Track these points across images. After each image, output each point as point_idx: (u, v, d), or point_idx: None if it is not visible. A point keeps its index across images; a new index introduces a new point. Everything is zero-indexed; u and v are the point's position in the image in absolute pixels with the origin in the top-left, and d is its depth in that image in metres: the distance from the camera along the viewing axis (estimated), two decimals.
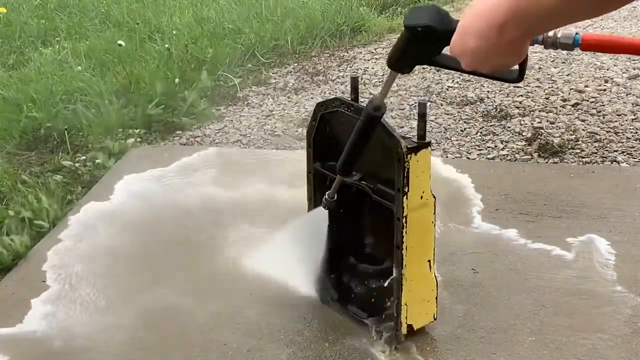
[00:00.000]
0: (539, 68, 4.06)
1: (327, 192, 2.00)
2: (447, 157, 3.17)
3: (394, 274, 1.92)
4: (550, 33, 1.33)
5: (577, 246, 2.44)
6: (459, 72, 1.59)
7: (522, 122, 3.44)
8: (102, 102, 3.65)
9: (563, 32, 1.33)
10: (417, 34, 1.40)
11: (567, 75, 3.95)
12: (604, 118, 3.46)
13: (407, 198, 1.84)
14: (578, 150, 3.18)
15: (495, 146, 3.25)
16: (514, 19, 1.09)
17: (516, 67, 1.36)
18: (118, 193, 2.89)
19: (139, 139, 3.41)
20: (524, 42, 1.16)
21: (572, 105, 3.60)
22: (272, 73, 4.22)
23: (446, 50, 1.32)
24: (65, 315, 2.23)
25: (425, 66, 4.19)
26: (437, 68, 4.15)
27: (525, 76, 1.43)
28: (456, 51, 1.23)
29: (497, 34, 1.12)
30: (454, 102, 3.70)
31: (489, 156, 3.18)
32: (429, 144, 1.87)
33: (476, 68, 1.23)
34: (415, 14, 1.39)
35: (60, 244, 2.60)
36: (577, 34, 1.30)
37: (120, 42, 4.19)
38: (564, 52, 4.25)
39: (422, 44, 1.42)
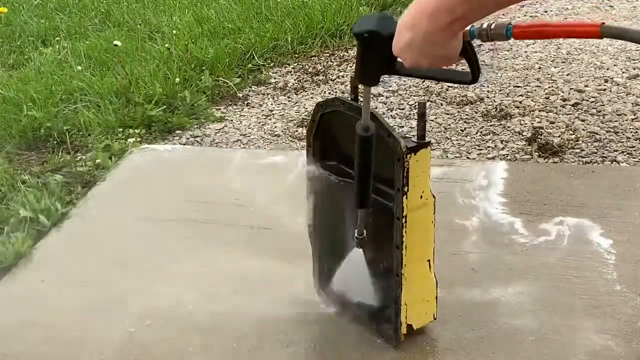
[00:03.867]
0: (539, 68, 4.06)
1: (355, 231, 1.93)
2: (447, 157, 3.17)
3: (394, 274, 1.92)
4: (484, 25, 1.34)
5: (577, 246, 2.44)
6: (420, 79, 1.66)
7: (522, 122, 3.44)
8: (102, 102, 3.65)
9: (496, 23, 1.34)
10: (364, 41, 1.46)
11: (567, 75, 3.95)
12: (604, 118, 3.46)
13: (406, 198, 1.84)
14: (578, 150, 3.18)
15: (495, 146, 3.25)
16: (440, 7, 1.13)
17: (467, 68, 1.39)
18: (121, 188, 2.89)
19: (139, 139, 3.41)
20: (454, 29, 1.19)
21: (572, 105, 3.60)
22: (272, 73, 4.22)
23: None
24: (65, 315, 2.23)
25: None
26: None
27: (481, 76, 1.47)
28: (396, 50, 1.26)
29: (426, 21, 1.16)
30: (454, 102, 3.70)
31: (489, 156, 3.18)
32: (428, 144, 1.87)
33: (417, 62, 1.25)
34: (361, 21, 1.44)
35: (60, 244, 2.60)
36: (509, 24, 1.32)
37: (116, 42, 4.18)
38: (563, 51, 4.26)
39: (374, 51, 1.46)
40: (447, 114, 3.58)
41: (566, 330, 2.07)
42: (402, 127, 3.47)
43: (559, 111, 3.55)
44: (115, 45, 4.16)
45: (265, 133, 3.51)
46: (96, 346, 2.10)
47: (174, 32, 4.53)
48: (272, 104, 3.83)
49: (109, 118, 3.52)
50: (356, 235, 1.93)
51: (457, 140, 3.33)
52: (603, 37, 1.19)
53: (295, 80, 4.11)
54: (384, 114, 3.60)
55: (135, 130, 3.48)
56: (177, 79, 3.88)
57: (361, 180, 1.81)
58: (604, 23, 1.18)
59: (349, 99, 2.00)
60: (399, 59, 1.40)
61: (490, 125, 3.44)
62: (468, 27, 1.31)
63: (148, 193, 2.90)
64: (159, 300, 2.26)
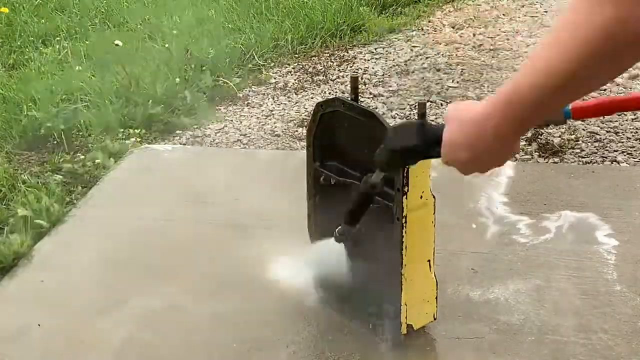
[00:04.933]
0: None
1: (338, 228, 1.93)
2: None
3: (394, 274, 1.92)
4: None
5: (578, 246, 2.44)
6: None
7: None
8: (102, 102, 3.65)
9: None
10: (403, 154, 1.39)
11: None
12: (604, 118, 3.46)
13: (406, 198, 1.84)
14: (578, 150, 3.18)
15: None
16: (505, 123, 1.05)
17: None
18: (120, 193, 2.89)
19: (139, 139, 3.41)
20: (518, 138, 1.13)
21: None
22: (272, 73, 4.22)
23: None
24: (65, 315, 2.23)
25: (425, 66, 4.20)
26: (437, 68, 4.15)
27: None
28: (450, 163, 1.19)
29: (488, 142, 1.08)
30: (454, 102, 3.70)
31: None
32: None
33: (469, 173, 1.20)
34: (400, 135, 1.34)
35: (60, 244, 2.60)
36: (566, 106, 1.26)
37: (117, 42, 4.18)
38: None
39: (409, 159, 1.41)
40: None
41: (566, 330, 2.07)
42: None
43: None
44: (116, 45, 4.16)
45: (265, 133, 3.51)
46: (96, 346, 2.10)
47: (174, 32, 4.53)
48: (272, 104, 3.83)
49: (109, 118, 3.52)
50: (337, 232, 1.93)
51: None
52: None
53: (295, 80, 4.11)
54: (384, 114, 3.59)
55: (135, 130, 3.48)
56: (177, 79, 3.88)
57: (352, 214, 1.82)
58: None
59: (349, 99, 2.00)
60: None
61: None
62: None
63: (148, 193, 2.90)
64: (159, 300, 2.26)
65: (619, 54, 0.89)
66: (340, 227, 1.91)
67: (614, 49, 0.87)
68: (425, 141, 1.29)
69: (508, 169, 2.97)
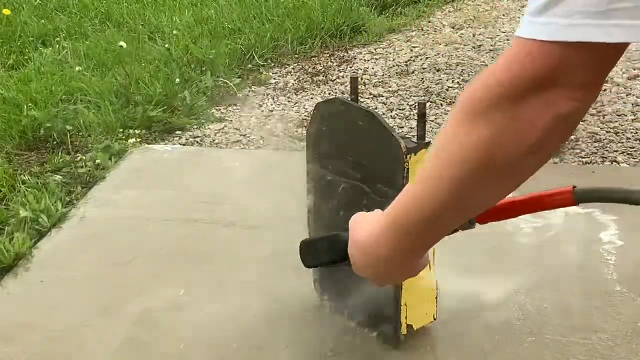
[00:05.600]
0: None
1: None
2: None
3: None
4: None
5: (578, 246, 2.44)
6: None
7: None
8: (102, 103, 3.65)
9: None
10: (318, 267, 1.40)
11: None
12: (604, 118, 3.46)
13: None
14: (578, 150, 3.18)
15: None
16: (394, 252, 0.99)
17: None
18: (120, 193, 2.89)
19: (139, 139, 3.41)
20: (417, 258, 1.05)
21: None
22: (272, 73, 4.22)
23: None
24: (65, 315, 2.23)
25: (424, 66, 4.21)
26: (437, 68, 4.15)
27: None
28: (360, 274, 1.12)
29: (386, 265, 1.02)
30: (454, 102, 3.70)
31: None
32: (429, 144, 1.87)
33: (387, 285, 1.15)
34: (311, 252, 1.28)
35: (60, 244, 2.60)
36: None
37: (121, 43, 4.18)
38: None
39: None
40: (447, 114, 3.58)
41: (566, 330, 2.07)
42: (402, 127, 3.47)
43: None
44: (120, 46, 4.16)
45: (265, 133, 3.51)
46: (96, 346, 2.10)
47: (174, 32, 4.53)
48: (272, 104, 3.83)
49: (109, 118, 3.52)
50: None
51: None
52: (578, 202, 1.10)
53: (295, 80, 4.12)
54: (384, 114, 3.60)
55: (135, 130, 3.48)
56: (177, 79, 3.88)
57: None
58: (574, 187, 1.06)
59: (349, 99, 2.00)
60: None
61: None
62: None
63: (148, 193, 2.90)
64: (159, 300, 2.26)
65: (500, 171, 0.84)
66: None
67: (493, 167, 0.83)
68: (336, 256, 1.22)
69: None
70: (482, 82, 0.82)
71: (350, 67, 4.26)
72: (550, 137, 0.82)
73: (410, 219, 0.93)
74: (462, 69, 4.10)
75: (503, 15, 5.00)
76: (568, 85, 0.78)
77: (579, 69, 0.77)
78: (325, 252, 1.25)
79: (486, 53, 4.32)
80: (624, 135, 3.29)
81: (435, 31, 4.76)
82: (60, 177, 3.06)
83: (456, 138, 0.84)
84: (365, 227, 1.04)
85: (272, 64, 4.34)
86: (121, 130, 3.48)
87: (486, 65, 4.13)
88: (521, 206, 1.18)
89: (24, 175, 3.07)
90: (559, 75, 0.78)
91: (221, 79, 4.04)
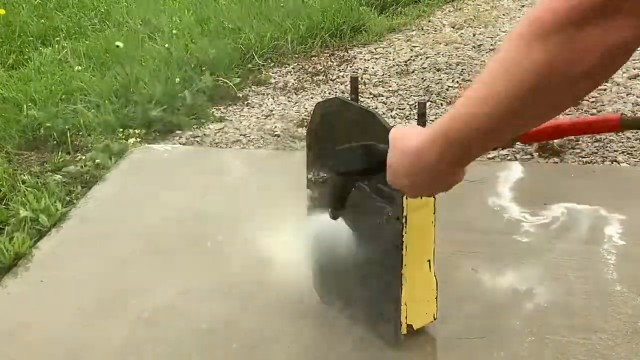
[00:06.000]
0: None
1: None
2: None
3: (394, 274, 1.92)
4: None
5: (578, 246, 2.44)
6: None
7: None
8: (102, 102, 3.65)
9: None
10: (351, 176, 1.38)
11: None
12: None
13: (407, 198, 1.84)
14: (578, 150, 3.18)
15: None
16: (442, 158, 1.04)
17: None
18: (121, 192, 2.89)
19: (139, 139, 3.41)
20: (459, 170, 1.11)
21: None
22: (272, 73, 4.22)
23: None
24: (65, 315, 2.23)
25: (425, 66, 4.20)
26: (437, 68, 4.15)
27: None
28: (394, 185, 1.18)
29: (426, 174, 1.08)
30: (454, 102, 3.70)
31: (488, 156, 3.17)
32: None
33: (418, 196, 1.20)
34: (345, 159, 1.32)
35: (60, 244, 2.60)
36: None
37: (118, 43, 4.18)
38: None
39: (357, 180, 1.40)
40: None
41: (566, 330, 2.07)
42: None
43: None
44: (117, 46, 4.16)
45: (265, 133, 3.51)
46: (96, 346, 2.10)
47: (174, 32, 4.53)
48: (272, 104, 3.83)
49: (109, 118, 3.52)
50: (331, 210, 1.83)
51: None
52: (623, 129, 1.13)
53: (295, 80, 4.11)
54: (384, 114, 3.59)
55: (135, 130, 3.48)
56: (177, 79, 3.88)
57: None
58: (622, 115, 1.11)
59: (349, 99, 2.00)
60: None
61: None
62: None
63: (148, 193, 2.90)
64: (159, 300, 2.26)
65: (553, 92, 0.89)
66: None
67: (547, 88, 0.88)
68: (370, 164, 1.28)
69: (508, 170, 2.97)
70: (546, 6, 0.84)
71: (351, 67, 4.26)
72: (607, 63, 0.85)
73: (463, 131, 0.98)
74: (462, 69, 4.10)
75: (503, 14, 5.00)
76: (631, 13, 0.81)
77: None
78: (358, 159, 1.27)
79: (486, 53, 4.32)
80: (624, 135, 3.29)
81: (435, 31, 4.76)
82: (60, 177, 3.06)
83: (515, 59, 0.88)
84: (414, 136, 1.08)
85: (272, 64, 4.34)
86: (121, 130, 3.48)
87: (486, 64, 4.13)
88: (567, 129, 1.20)
89: (24, 175, 3.07)
90: (623, 2, 0.80)
91: (221, 79, 4.04)
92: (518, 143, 1.23)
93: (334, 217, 1.88)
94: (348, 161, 1.30)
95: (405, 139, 1.11)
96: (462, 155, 1.03)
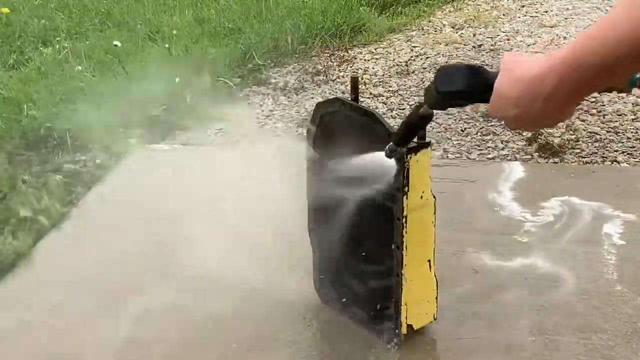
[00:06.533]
0: None
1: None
2: (447, 157, 3.17)
3: (394, 274, 1.92)
4: None
5: (578, 247, 2.44)
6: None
7: None
8: (102, 102, 3.65)
9: None
10: (451, 97, 1.30)
11: None
12: (604, 118, 3.46)
13: (407, 198, 1.84)
14: (578, 150, 3.18)
15: (496, 146, 3.25)
16: (561, 89, 1.02)
17: None
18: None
19: (139, 139, 3.41)
20: (573, 104, 1.09)
21: None
22: (272, 73, 4.22)
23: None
24: (65, 315, 2.23)
25: (425, 66, 4.20)
26: (436, 67, 4.15)
27: None
28: (496, 116, 1.16)
29: (540, 105, 1.05)
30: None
31: (489, 156, 3.17)
32: (429, 144, 1.87)
33: (520, 129, 1.17)
34: (448, 77, 1.27)
35: (60, 244, 2.60)
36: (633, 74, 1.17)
37: (115, 42, 4.18)
38: None
39: (457, 101, 1.33)
40: (447, 114, 3.58)
41: (566, 330, 2.07)
42: None
43: None
44: (115, 45, 4.16)
45: (265, 133, 3.51)
46: (96, 346, 2.10)
47: (174, 32, 4.53)
48: (272, 104, 3.83)
49: (109, 118, 3.52)
50: (387, 149, 1.78)
51: (457, 140, 3.33)
52: None
53: (295, 80, 4.11)
54: (384, 114, 3.60)
55: (135, 130, 3.48)
56: (177, 79, 3.88)
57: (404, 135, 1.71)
58: None
59: (349, 99, 2.00)
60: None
61: (491, 126, 3.44)
62: None
63: (148, 193, 2.89)
64: (159, 300, 2.26)
65: None
66: (389, 145, 1.78)
67: None
68: (474, 87, 1.21)
69: (509, 169, 2.97)
70: None
71: (351, 67, 4.26)
72: None
73: (588, 59, 0.96)
74: None
75: (503, 14, 5.00)
76: None
77: None
78: (463, 79, 1.22)
79: (486, 53, 4.32)
80: (624, 135, 3.29)
81: (435, 31, 4.76)
82: (61, 176, 3.06)
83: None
84: (530, 64, 1.06)
85: (272, 64, 4.34)
86: (121, 130, 3.48)
87: (486, 64, 4.13)
88: None
89: (24, 175, 3.07)
90: None
91: (221, 79, 4.04)
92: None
93: (390, 156, 1.79)
94: (449, 80, 1.25)
95: (522, 65, 1.07)
96: (581, 87, 1.01)
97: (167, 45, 4.27)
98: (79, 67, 4.05)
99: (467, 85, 1.22)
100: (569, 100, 1.05)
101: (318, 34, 4.59)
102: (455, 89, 1.26)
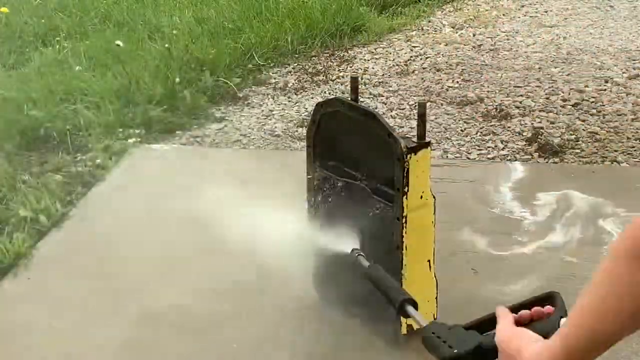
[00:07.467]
0: (539, 68, 4.06)
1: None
2: (447, 157, 3.17)
3: (394, 274, 1.92)
4: None
5: (578, 246, 2.44)
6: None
7: (522, 122, 3.44)
8: (102, 102, 3.65)
9: None
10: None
11: (567, 75, 3.95)
12: (604, 118, 3.46)
13: (407, 198, 1.84)
14: (578, 150, 3.18)
15: (496, 146, 3.25)
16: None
17: None
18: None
19: (139, 139, 3.41)
20: None
21: (572, 105, 3.60)
22: (272, 73, 4.22)
23: None
24: (64, 315, 2.23)
25: (425, 66, 4.20)
26: (437, 68, 4.15)
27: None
28: None
29: None
30: (454, 102, 3.70)
31: (489, 156, 3.17)
32: (428, 144, 1.87)
33: None
34: (455, 341, 1.25)
35: (60, 244, 2.60)
36: None
37: (118, 42, 4.18)
38: (563, 51, 4.25)
39: None
40: (447, 114, 3.58)
41: None
42: (402, 127, 3.47)
43: (559, 111, 3.55)
44: (118, 45, 4.15)
45: (265, 133, 3.51)
46: (96, 346, 2.10)
47: (174, 32, 4.53)
48: (272, 104, 3.83)
49: (109, 118, 3.52)
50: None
51: (457, 140, 3.33)
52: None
53: (295, 80, 4.11)
54: (384, 114, 3.59)
55: (135, 130, 3.48)
56: (177, 79, 3.88)
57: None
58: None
59: (349, 99, 2.00)
60: None
61: (491, 126, 3.44)
62: None
63: (148, 193, 2.90)
64: (159, 300, 2.26)
65: None
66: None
67: None
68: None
69: (509, 169, 2.97)
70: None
71: (351, 67, 4.26)
72: None
73: (581, 344, 1.04)
74: (462, 69, 4.10)
75: (503, 15, 5.00)
76: None
77: None
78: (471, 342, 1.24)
79: (486, 53, 4.32)
80: (624, 135, 3.29)
81: (435, 31, 4.76)
82: (60, 177, 3.06)
83: (623, 277, 0.95)
84: (529, 348, 1.10)
85: (272, 64, 4.33)
86: (121, 130, 3.48)
87: (486, 64, 4.13)
88: None
89: (24, 175, 3.07)
90: None
91: (221, 79, 4.04)
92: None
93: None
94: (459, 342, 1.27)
95: (522, 350, 1.11)
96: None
97: (167, 45, 4.27)
98: (79, 67, 4.05)
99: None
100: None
101: (318, 34, 4.59)
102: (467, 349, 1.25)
